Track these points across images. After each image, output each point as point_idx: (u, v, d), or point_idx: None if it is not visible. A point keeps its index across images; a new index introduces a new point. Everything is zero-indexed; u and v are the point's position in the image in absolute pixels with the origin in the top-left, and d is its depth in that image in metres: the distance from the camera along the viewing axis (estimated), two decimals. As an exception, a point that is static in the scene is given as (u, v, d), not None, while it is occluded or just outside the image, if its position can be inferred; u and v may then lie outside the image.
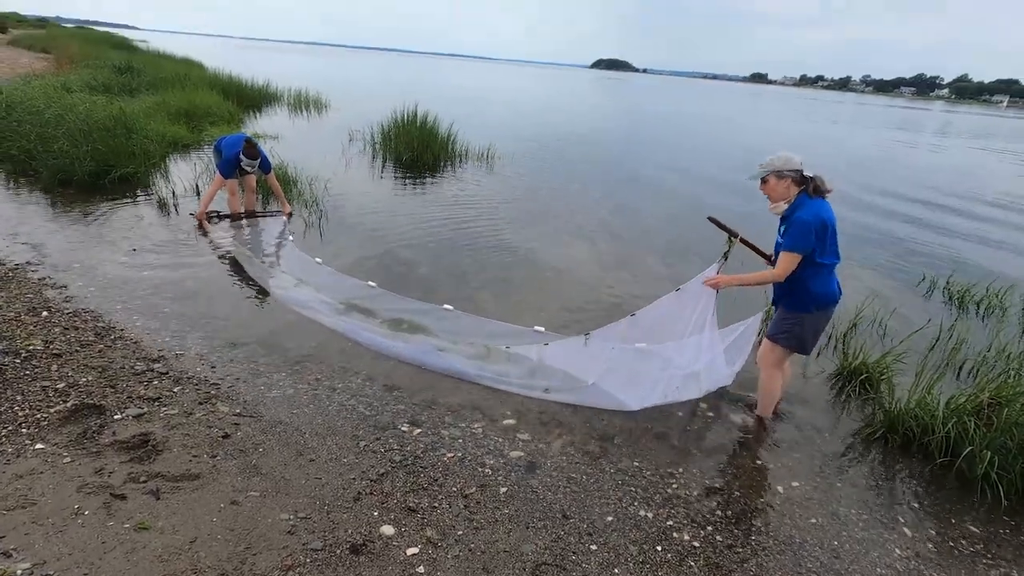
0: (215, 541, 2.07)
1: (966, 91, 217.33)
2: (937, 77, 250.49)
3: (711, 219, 3.33)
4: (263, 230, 5.72)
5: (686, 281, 3.25)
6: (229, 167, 5.61)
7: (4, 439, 2.45)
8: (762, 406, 3.28)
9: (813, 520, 2.54)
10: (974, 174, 15.21)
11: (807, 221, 2.75)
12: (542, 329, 3.98)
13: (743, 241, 3.21)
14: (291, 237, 5.50)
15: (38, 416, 2.63)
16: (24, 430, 2.54)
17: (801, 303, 2.93)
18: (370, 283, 4.56)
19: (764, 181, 2.93)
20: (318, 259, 4.99)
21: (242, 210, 5.99)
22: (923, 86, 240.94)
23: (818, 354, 4.13)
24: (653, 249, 6.33)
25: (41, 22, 62.31)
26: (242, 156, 5.59)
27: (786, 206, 2.89)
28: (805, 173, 2.86)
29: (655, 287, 4.95)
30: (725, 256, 3.21)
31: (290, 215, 6.08)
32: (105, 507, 2.15)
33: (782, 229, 2.92)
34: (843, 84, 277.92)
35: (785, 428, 3.26)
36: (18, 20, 57.44)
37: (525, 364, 3.59)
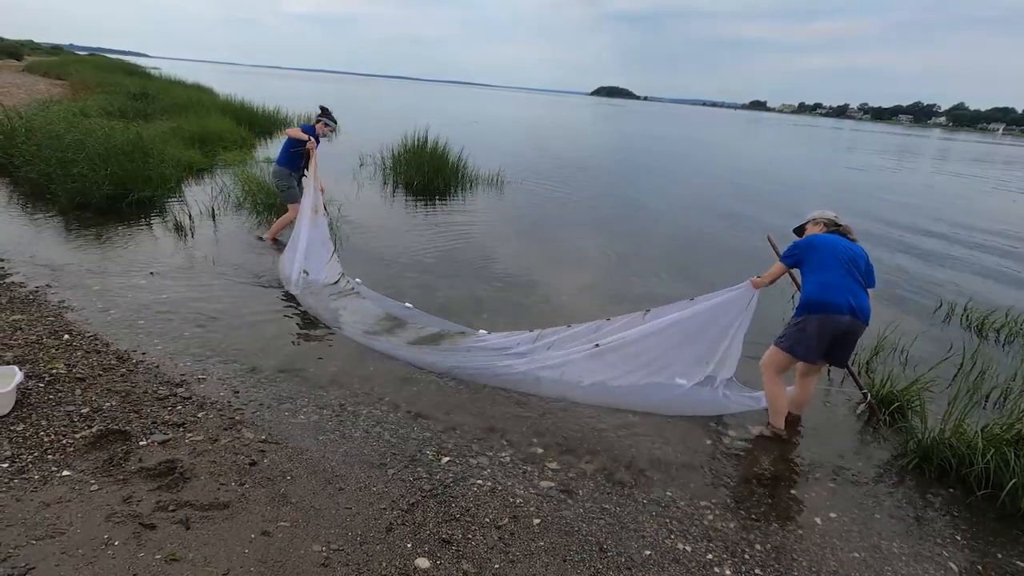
0: (248, 574, 2.01)
1: (963, 119, 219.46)
2: (934, 105, 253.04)
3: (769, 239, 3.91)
4: (307, 240, 5.33)
5: (697, 300, 3.66)
6: (308, 127, 5.77)
7: (30, 465, 2.42)
8: (771, 416, 3.39)
9: (855, 554, 2.47)
10: (978, 201, 15.29)
11: (796, 242, 3.33)
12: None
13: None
14: (336, 255, 5.39)
15: (64, 442, 2.60)
16: (50, 456, 2.50)
17: (799, 307, 3.20)
18: (407, 304, 4.65)
19: (804, 229, 3.48)
20: (357, 279, 5.07)
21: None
22: (920, 114, 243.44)
23: (843, 380, 4.08)
24: (664, 272, 6.33)
25: (55, 49, 63.69)
26: (320, 117, 5.80)
27: None
28: (838, 222, 3.38)
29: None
30: None
31: (322, 190, 5.87)
32: (135, 537, 2.09)
33: None
34: (841, 111, 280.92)
35: (817, 456, 3.20)
36: (32, 48, 58.77)
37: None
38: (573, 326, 3.97)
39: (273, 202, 7.12)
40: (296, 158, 5.78)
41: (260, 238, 6.15)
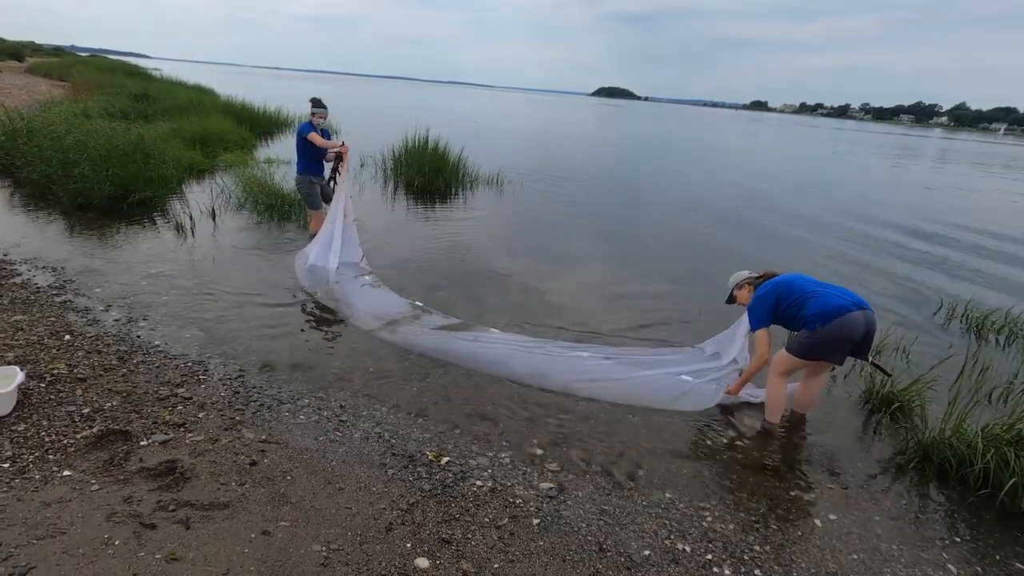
0: (248, 573, 2.02)
1: (964, 119, 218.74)
2: (935, 105, 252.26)
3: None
4: (341, 242, 5.56)
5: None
6: (307, 124, 5.80)
7: (31, 465, 2.42)
8: (767, 412, 3.42)
9: (855, 556, 2.47)
10: (978, 201, 15.27)
11: (754, 305, 3.39)
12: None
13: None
14: (365, 259, 5.62)
15: (65, 442, 2.61)
16: (51, 456, 2.51)
17: (810, 324, 3.18)
18: (417, 302, 4.74)
19: (734, 297, 3.63)
20: (368, 276, 5.24)
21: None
22: (921, 114, 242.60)
23: (844, 377, 4.09)
24: (659, 271, 6.34)
25: (57, 50, 63.73)
26: (312, 109, 5.80)
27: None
28: (754, 275, 3.56)
29: (666, 307, 5.07)
30: None
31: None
32: (135, 537, 2.10)
33: None
34: (842, 111, 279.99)
35: (817, 456, 3.20)
36: (34, 49, 58.83)
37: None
38: (582, 345, 4.23)
39: (274, 203, 7.15)
40: (314, 162, 5.86)
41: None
